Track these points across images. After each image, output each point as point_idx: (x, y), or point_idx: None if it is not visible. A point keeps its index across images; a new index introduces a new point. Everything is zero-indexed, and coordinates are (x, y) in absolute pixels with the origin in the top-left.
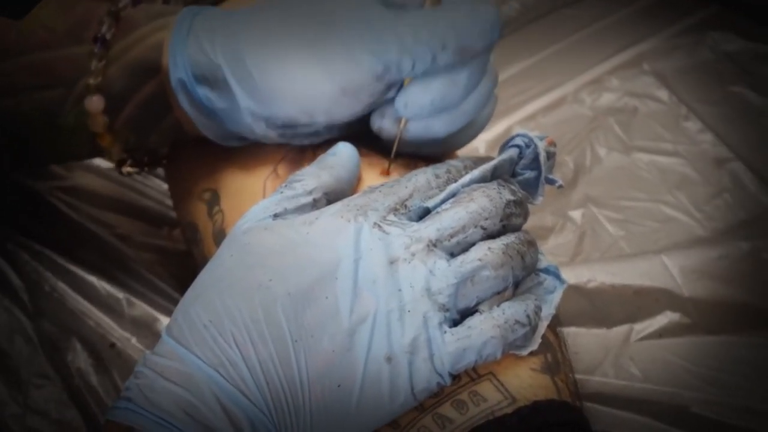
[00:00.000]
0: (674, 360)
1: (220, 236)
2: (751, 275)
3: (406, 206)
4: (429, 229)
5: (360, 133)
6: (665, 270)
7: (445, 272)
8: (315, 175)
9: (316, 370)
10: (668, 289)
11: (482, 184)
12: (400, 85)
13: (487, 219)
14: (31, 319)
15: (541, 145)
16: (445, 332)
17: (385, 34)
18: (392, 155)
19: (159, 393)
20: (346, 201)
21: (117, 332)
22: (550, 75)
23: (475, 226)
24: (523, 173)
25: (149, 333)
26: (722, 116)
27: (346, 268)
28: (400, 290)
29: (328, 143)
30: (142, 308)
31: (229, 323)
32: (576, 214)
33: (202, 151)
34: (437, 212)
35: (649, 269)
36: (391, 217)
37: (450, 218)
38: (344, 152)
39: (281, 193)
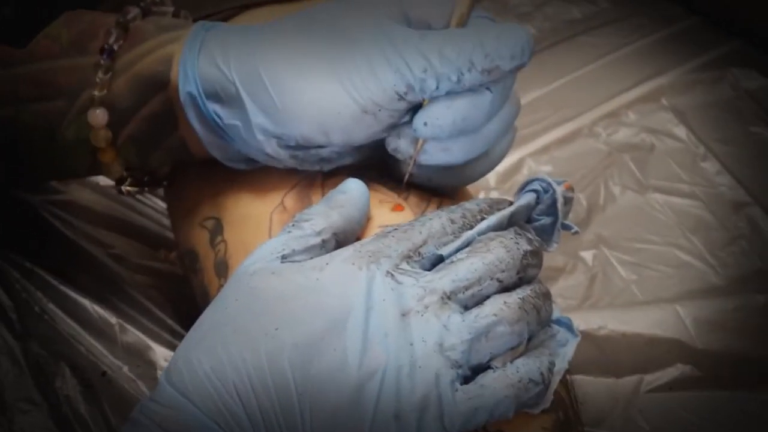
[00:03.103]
0: (684, 415)
1: (221, 267)
2: (766, 329)
3: (419, 253)
4: (444, 280)
5: (371, 163)
6: (678, 320)
7: (459, 327)
8: (324, 215)
9: (321, 425)
10: (681, 340)
11: (499, 233)
12: (418, 106)
13: (503, 271)
14: (19, 341)
15: (560, 190)
16: (457, 390)
17: (409, 51)
18: (406, 178)
19: None
20: (357, 246)
21: (108, 359)
22: (565, 105)
23: (491, 278)
24: (539, 219)
25: (142, 362)
26: (741, 157)
27: (357, 319)
28: (411, 345)
29: (337, 176)
30: (135, 335)
31: (232, 372)
32: (587, 255)
33: (205, 176)
34: (452, 261)
35: (662, 318)
36: (404, 265)
37: (466, 269)
38: (354, 190)
39: (289, 232)
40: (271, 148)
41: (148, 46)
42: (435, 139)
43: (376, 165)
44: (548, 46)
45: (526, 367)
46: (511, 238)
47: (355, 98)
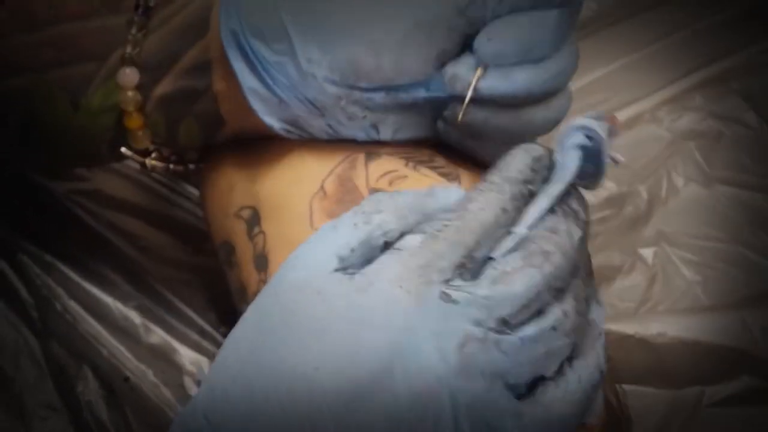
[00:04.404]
0: None
1: (261, 261)
2: None
3: (473, 259)
4: (499, 298)
5: (421, 144)
6: (744, 328)
7: (518, 351)
8: (401, 215)
9: None
10: (747, 350)
11: (550, 228)
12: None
13: (559, 279)
14: (40, 340)
15: (604, 130)
16: (521, 416)
17: None
18: (464, 107)
19: None
20: (405, 258)
21: (132, 363)
22: (626, 88)
23: (549, 289)
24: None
25: (167, 366)
26: None
27: (408, 358)
28: (470, 382)
29: (382, 157)
30: (160, 336)
31: (268, 421)
32: (647, 253)
33: (239, 160)
34: (506, 272)
35: (727, 325)
36: (458, 280)
37: (524, 284)
38: (449, 199)
39: (354, 225)
40: (316, 84)
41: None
42: (497, 60)
43: (427, 146)
44: (609, 23)
45: (586, 370)
46: (563, 231)
47: (411, 8)
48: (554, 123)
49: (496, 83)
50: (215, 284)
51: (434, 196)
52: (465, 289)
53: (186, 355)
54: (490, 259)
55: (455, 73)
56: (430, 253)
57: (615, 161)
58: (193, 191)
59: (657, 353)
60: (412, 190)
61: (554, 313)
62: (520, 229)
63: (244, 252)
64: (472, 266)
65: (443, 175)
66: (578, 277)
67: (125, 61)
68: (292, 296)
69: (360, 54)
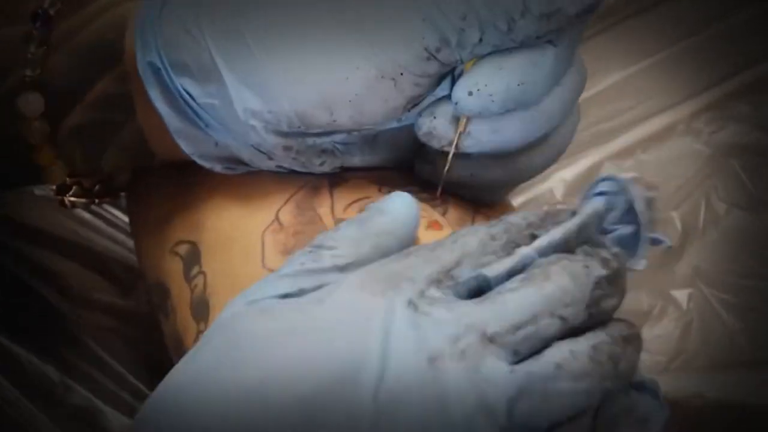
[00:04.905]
0: None
1: (200, 307)
2: None
3: (452, 277)
4: (486, 314)
5: (395, 163)
6: None
7: (505, 380)
8: (354, 243)
9: None
10: None
11: (562, 255)
12: (451, 80)
13: (568, 306)
14: None
15: (637, 191)
16: None
17: None
18: (446, 170)
19: None
20: (372, 267)
21: (49, 429)
22: (655, 94)
23: (552, 316)
24: (615, 229)
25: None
26: None
27: (370, 370)
28: (445, 405)
29: (350, 181)
30: (83, 396)
31: None
32: (681, 295)
33: (177, 185)
34: (498, 292)
35: None
36: (433, 291)
37: (517, 302)
38: (399, 211)
39: (301, 263)
40: (258, 135)
41: (94, 8)
42: (483, 115)
43: (402, 167)
44: (630, 14)
45: None
46: (579, 261)
47: (369, 57)
48: (556, 157)
49: (482, 139)
50: (149, 333)
51: (383, 208)
52: (440, 302)
53: (115, 419)
54: (482, 287)
55: (432, 129)
56: (399, 264)
57: (659, 243)
58: (124, 218)
59: (692, 418)
60: (358, 215)
61: (559, 350)
62: (524, 251)
63: (180, 296)
64: (451, 284)
65: (425, 200)
66: (601, 324)
67: (27, 86)
68: (232, 324)
69: (309, 108)
